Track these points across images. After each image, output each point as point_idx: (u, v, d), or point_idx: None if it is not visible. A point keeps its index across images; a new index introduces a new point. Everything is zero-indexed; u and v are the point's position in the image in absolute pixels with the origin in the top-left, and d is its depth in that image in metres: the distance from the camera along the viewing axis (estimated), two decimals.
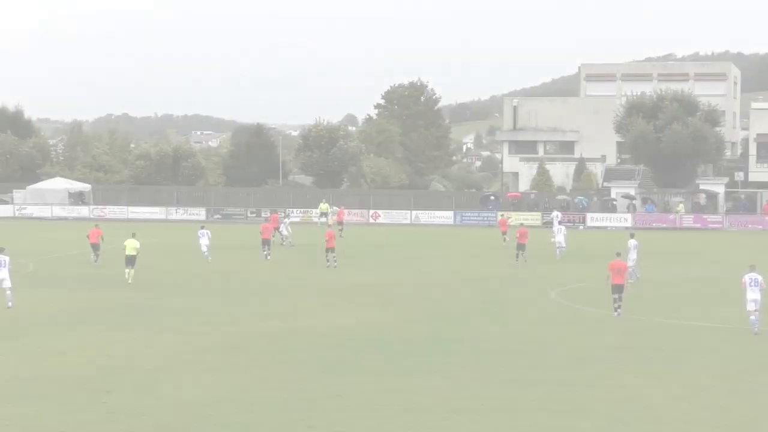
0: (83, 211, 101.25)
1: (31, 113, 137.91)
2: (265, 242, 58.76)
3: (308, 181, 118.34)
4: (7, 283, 38.24)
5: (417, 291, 44.76)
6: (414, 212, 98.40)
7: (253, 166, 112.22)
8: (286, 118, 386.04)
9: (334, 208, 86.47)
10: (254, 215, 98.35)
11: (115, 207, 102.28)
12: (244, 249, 64.56)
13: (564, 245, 60.93)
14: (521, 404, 23.07)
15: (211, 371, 26.49)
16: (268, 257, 57.96)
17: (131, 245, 48.07)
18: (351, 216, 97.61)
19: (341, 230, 74.80)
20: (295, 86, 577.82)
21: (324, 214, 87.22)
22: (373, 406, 22.76)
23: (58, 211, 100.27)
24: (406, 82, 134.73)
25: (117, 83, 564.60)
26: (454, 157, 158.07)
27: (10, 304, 38.04)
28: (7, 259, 38.58)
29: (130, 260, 47.52)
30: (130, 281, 46.81)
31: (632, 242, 48.29)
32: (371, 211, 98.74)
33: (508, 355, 29.26)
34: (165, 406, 22.55)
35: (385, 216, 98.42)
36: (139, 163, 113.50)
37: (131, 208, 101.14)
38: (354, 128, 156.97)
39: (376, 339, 31.88)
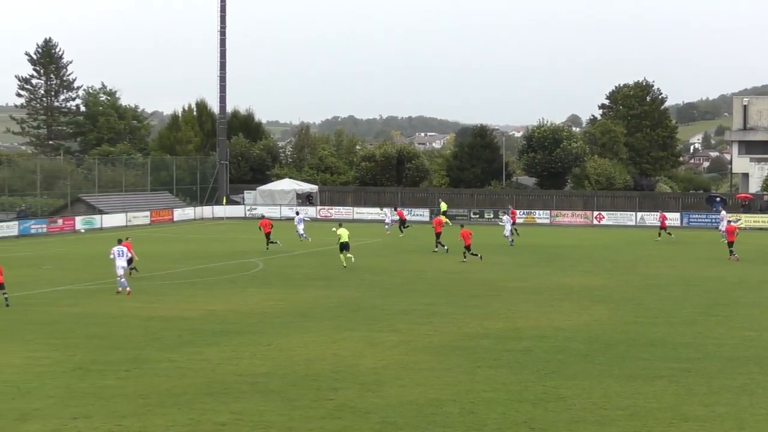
0: (311, 211, 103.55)
1: (261, 116, 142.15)
2: (438, 235, 64.66)
3: (531, 182, 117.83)
4: (121, 271, 43.48)
5: (642, 293, 44.00)
6: (639, 214, 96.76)
7: (476, 167, 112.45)
8: (509, 119, 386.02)
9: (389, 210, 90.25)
10: (477, 216, 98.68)
11: (341, 207, 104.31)
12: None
13: None
14: (752, 412, 22.39)
15: (434, 371, 26.70)
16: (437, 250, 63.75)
17: (344, 233, 54.81)
18: (574, 218, 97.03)
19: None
20: (518, 87, 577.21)
21: (444, 212, 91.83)
22: (596, 410, 22.52)
23: (287, 212, 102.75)
24: (631, 81, 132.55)
25: (343, 86, 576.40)
26: (681, 158, 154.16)
27: (128, 289, 42.68)
28: (124, 249, 44.20)
29: (345, 246, 54.23)
30: (345, 265, 53.55)
31: None
32: (595, 213, 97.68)
33: (738, 360, 28.44)
34: (389, 405, 22.85)
35: (609, 217, 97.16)
36: (365, 164, 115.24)
37: (357, 209, 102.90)
38: (578, 129, 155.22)
39: (599, 342, 31.51)
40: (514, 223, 74.35)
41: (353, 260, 54.50)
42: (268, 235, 64.85)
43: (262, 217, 73.28)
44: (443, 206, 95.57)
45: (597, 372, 26.65)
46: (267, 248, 64.06)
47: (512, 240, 69.92)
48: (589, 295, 43.00)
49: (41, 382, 25.18)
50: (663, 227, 77.91)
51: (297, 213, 76.25)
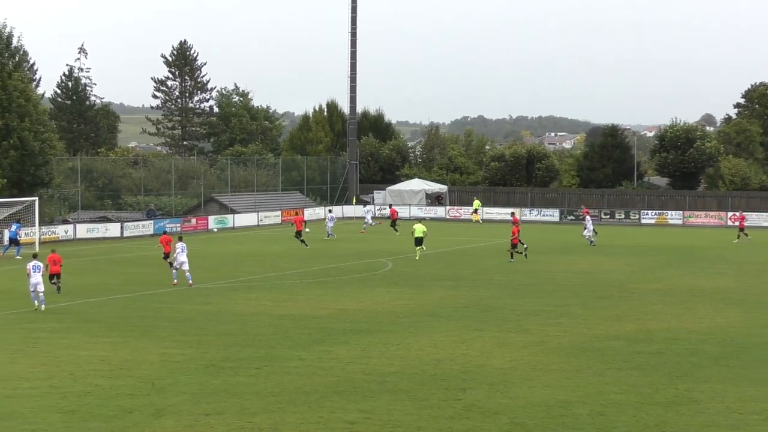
0: (439, 211, 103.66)
1: (391, 117, 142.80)
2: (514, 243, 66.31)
3: (663, 183, 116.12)
4: (186, 266, 45.90)
5: None
6: None
7: (606, 168, 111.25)
8: (641, 118, 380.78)
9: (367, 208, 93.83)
10: (608, 216, 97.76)
11: (470, 208, 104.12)
12: (597, 250, 64.26)
13: None
14: None
15: (563, 372, 26.52)
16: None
17: (419, 229, 59.34)
18: (707, 218, 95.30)
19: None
20: (650, 86, 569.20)
21: (476, 210, 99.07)
22: (730, 414, 22.12)
23: (415, 212, 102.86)
24: None
25: (473, 86, 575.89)
26: None
27: (191, 282, 45.71)
28: (184, 245, 46.62)
29: (419, 241, 58.82)
30: (417, 258, 58.05)
31: None
32: (729, 214, 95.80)
33: None
34: (518, 406, 22.77)
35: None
36: (494, 164, 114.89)
37: (486, 209, 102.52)
38: (712, 128, 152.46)
39: (733, 345, 30.93)
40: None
41: (424, 249, 59.49)
42: (299, 232, 68.14)
43: (296, 213, 78.56)
44: (476, 204, 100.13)
45: (731, 375, 26.18)
46: (307, 246, 66.46)
47: (592, 240, 68.61)
48: (723, 298, 42.23)
49: (175, 379, 25.69)
50: (741, 228, 75.35)
51: (330, 211, 79.90)
